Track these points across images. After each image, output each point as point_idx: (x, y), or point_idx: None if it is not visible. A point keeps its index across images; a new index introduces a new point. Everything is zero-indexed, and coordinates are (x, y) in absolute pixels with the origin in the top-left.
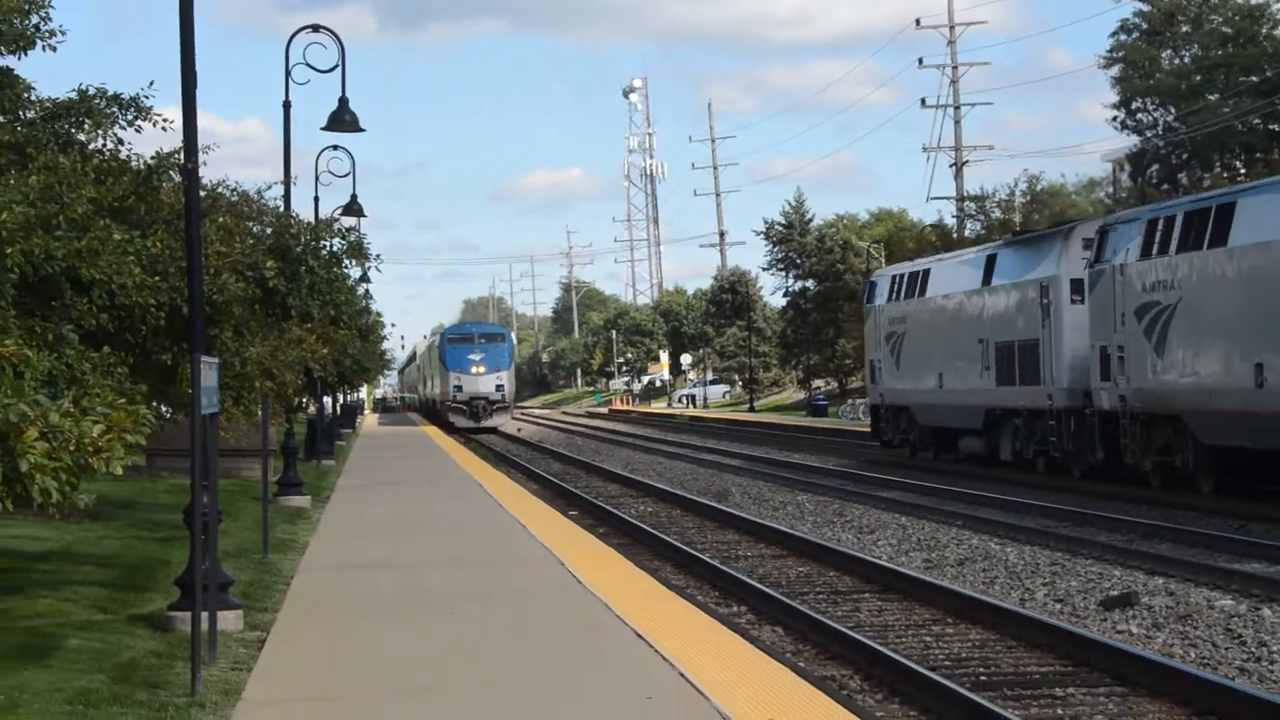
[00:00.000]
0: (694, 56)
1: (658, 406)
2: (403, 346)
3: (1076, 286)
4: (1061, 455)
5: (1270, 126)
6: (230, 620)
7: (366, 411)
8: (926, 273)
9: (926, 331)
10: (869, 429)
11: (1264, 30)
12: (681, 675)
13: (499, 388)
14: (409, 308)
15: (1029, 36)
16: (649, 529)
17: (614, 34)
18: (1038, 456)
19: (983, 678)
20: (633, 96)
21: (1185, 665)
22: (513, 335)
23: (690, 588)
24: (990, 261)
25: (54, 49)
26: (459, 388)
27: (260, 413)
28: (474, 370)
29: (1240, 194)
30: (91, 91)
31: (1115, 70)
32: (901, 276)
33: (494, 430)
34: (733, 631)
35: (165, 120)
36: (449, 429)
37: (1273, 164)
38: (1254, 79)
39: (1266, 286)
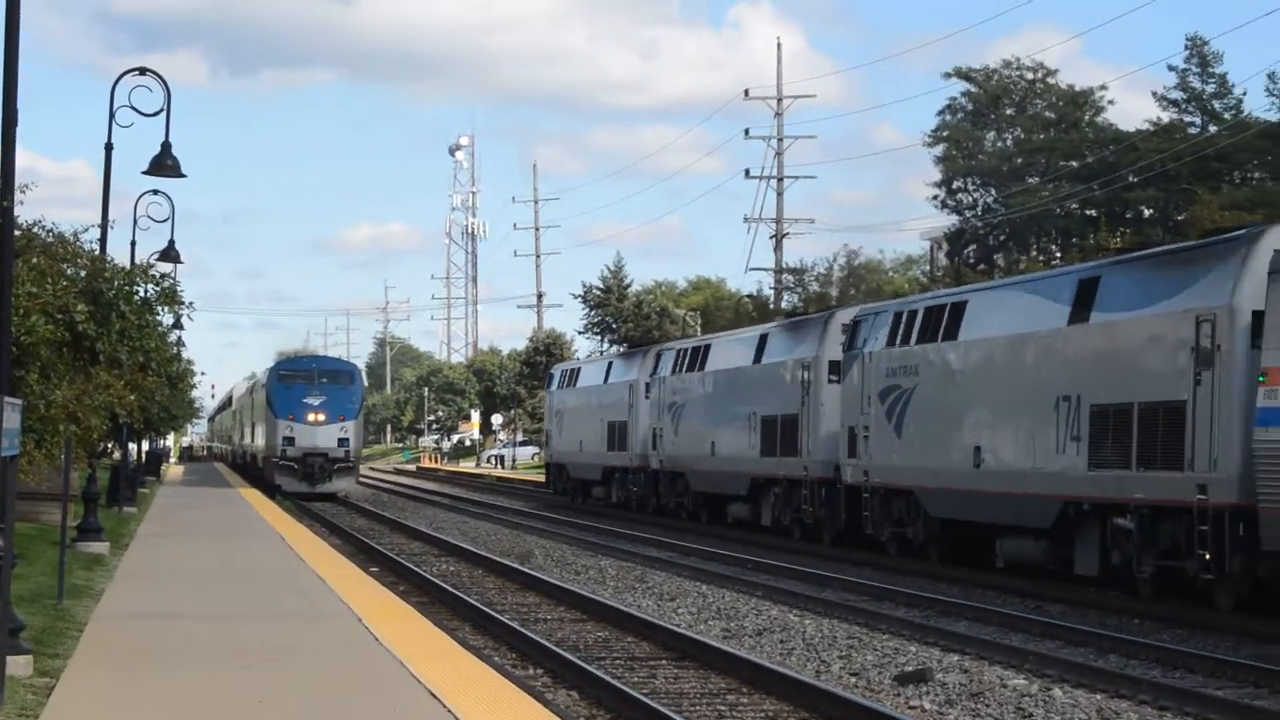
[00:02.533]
0: (524, 116)
1: (466, 465)
2: (213, 395)
3: (834, 367)
4: (814, 522)
5: (1088, 211)
6: (20, 666)
7: (172, 460)
8: (707, 348)
9: (704, 403)
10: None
11: (1086, 116)
12: None
13: (343, 442)
14: (223, 356)
15: (857, 112)
16: (449, 588)
17: (445, 90)
18: (794, 523)
19: None
20: (459, 154)
21: None
22: (363, 375)
23: (488, 648)
24: (762, 340)
25: None
26: (290, 440)
27: (63, 457)
28: (311, 418)
29: (971, 293)
30: None
31: (939, 149)
32: (685, 350)
33: (334, 497)
34: (528, 694)
35: None
36: (274, 492)
37: (1087, 249)
38: (1074, 164)
39: (987, 378)
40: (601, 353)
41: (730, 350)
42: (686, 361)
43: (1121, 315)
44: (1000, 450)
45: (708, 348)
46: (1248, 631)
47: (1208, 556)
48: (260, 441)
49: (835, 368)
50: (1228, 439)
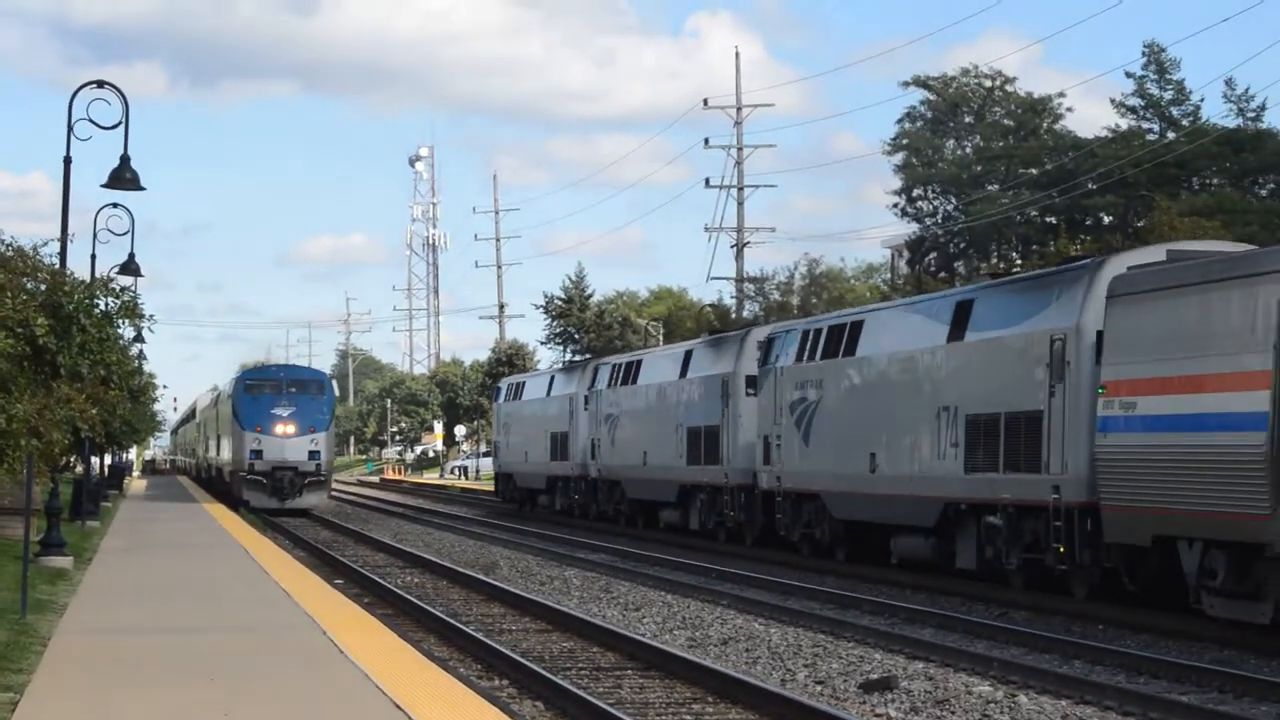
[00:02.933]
0: (483, 127)
1: (430, 477)
2: (175, 409)
3: (751, 381)
4: (736, 525)
5: (1048, 219)
6: None
7: (135, 474)
8: (639, 363)
9: (637, 415)
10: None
11: (1045, 124)
12: None
13: (314, 455)
14: (186, 370)
15: (816, 120)
16: (414, 600)
17: (403, 101)
18: (718, 526)
19: None
20: (419, 165)
21: None
22: (334, 385)
23: (454, 660)
24: (687, 356)
25: None
26: (258, 453)
27: (24, 471)
28: (280, 430)
29: (867, 313)
30: None
31: (899, 157)
32: (620, 365)
33: (305, 513)
34: (493, 705)
35: None
36: (240, 508)
37: (1048, 255)
38: (1033, 171)
39: (880, 391)
40: (564, 363)
41: (659, 365)
42: (621, 375)
43: (991, 334)
44: (892, 456)
45: (639, 363)
46: (1211, 637)
47: (1062, 550)
48: (226, 455)
49: (752, 382)
50: (1076, 445)
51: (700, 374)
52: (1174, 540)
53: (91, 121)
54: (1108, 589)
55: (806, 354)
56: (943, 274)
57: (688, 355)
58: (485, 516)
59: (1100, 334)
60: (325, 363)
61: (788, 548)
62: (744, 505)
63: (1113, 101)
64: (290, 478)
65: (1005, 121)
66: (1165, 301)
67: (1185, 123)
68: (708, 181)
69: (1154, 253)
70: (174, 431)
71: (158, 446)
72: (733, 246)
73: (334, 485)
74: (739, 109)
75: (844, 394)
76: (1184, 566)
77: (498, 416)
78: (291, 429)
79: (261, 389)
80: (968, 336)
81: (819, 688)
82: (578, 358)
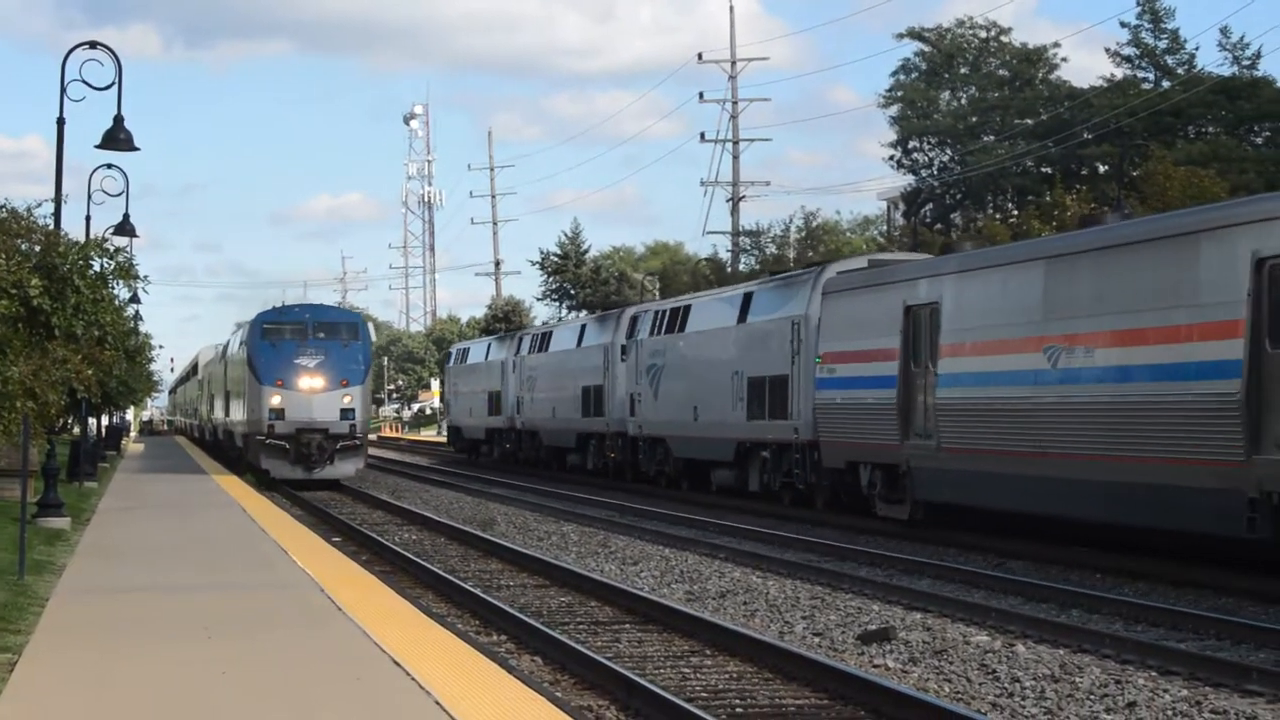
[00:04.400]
0: (478, 84)
1: (427, 434)
2: (172, 369)
3: (624, 350)
4: (616, 464)
5: (1043, 169)
6: None
7: (132, 434)
8: (549, 335)
9: (546, 378)
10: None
11: (1040, 74)
12: (438, 704)
13: (347, 414)
14: (184, 329)
15: (811, 73)
16: (412, 556)
17: (399, 59)
18: (604, 465)
19: (739, 710)
20: (413, 123)
21: (939, 700)
22: (370, 328)
23: (451, 616)
24: (583, 330)
25: None
26: (278, 413)
27: (21, 433)
28: (305, 383)
29: (694, 299)
30: None
31: (894, 110)
32: (538, 335)
33: (336, 484)
34: (492, 660)
35: None
36: (262, 480)
37: (1044, 206)
38: (1029, 122)
39: (699, 358)
40: (559, 319)
41: (562, 337)
42: (538, 343)
43: (761, 318)
44: (706, 409)
45: (549, 334)
46: (1206, 585)
47: (796, 472)
48: (239, 415)
49: (624, 350)
50: (806, 399)
51: (590, 343)
52: (857, 464)
53: (85, 83)
54: (836, 501)
55: (655, 329)
56: (939, 226)
57: (583, 329)
58: (485, 474)
59: (819, 320)
60: None
61: (647, 481)
62: (620, 448)
63: (1108, 51)
64: (319, 442)
65: (1001, 72)
66: (851, 297)
67: (1180, 71)
68: (703, 136)
69: (859, 262)
70: (172, 391)
71: (155, 407)
72: (728, 200)
73: None
74: (733, 63)
75: (678, 361)
76: (862, 482)
77: (445, 378)
78: (320, 382)
79: (282, 334)
80: (749, 320)
81: (817, 639)
82: (573, 313)
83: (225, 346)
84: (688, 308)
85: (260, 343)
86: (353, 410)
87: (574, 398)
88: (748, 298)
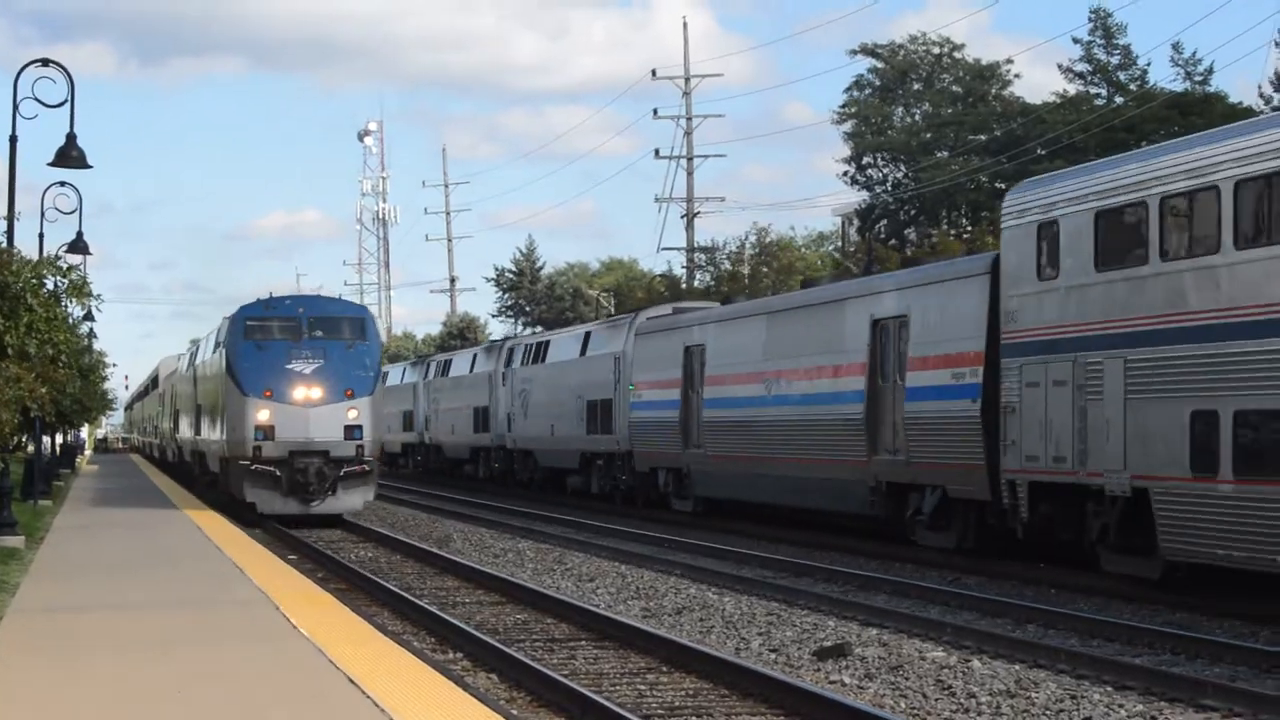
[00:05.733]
0: (432, 101)
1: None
2: (126, 387)
3: (503, 377)
4: (498, 473)
5: (998, 184)
6: None
7: (87, 452)
8: (450, 362)
9: (449, 399)
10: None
11: (993, 90)
12: None
13: (353, 431)
14: (139, 347)
15: (766, 90)
16: (368, 574)
17: (353, 76)
18: (490, 473)
19: None
20: (368, 140)
21: (895, 716)
22: (378, 326)
23: (407, 633)
24: (474, 358)
25: None
26: (266, 431)
27: None
28: (300, 393)
29: (551, 335)
30: None
31: (848, 126)
32: (441, 361)
33: (338, 520)
34: (447, 678)
35: None
36: (244, 516)
37: (997, 221)
38: (983, 138)
39: (553, 384)
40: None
41: (460, 363)
42: (441, 369)
43: (595, 353)
44: (560, 426)
45: (449, 361)
46: (1161, 601)
47: (623, 475)
48: (214, 434)
49: (504, 378)
50: (624, 417)
51: (480, 370)
52: (655, 469)
53: (37, 100)
54: (659, 501)
55: (525, 360)
56: (893, 241)
57: (474, 358)
58: (443, 490)
59: (633, 355)
60: None
61: (524, 487)
62: (499, 458)
63: (1060, 67)
64: (318, 468)
65: (954, 88)
66: (652, 339)
67: (1133, 87)
68: (657, 152)
69: (665, 309)
70: (128, 408)
71: (110, 425)
72: (683, 217)
73: None
74: (687, 79)
75: (540, 387)
76: (659, 483)
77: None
78: (318, 392)
79: (270, 332)
80: (587, 354)
81: (773, 656)
82: (528, 329)
83: (194, 352)
84: (547, 343)
85: (243, 344)
86: (360, 427)
87: (468, 417)
88: (587, 336)
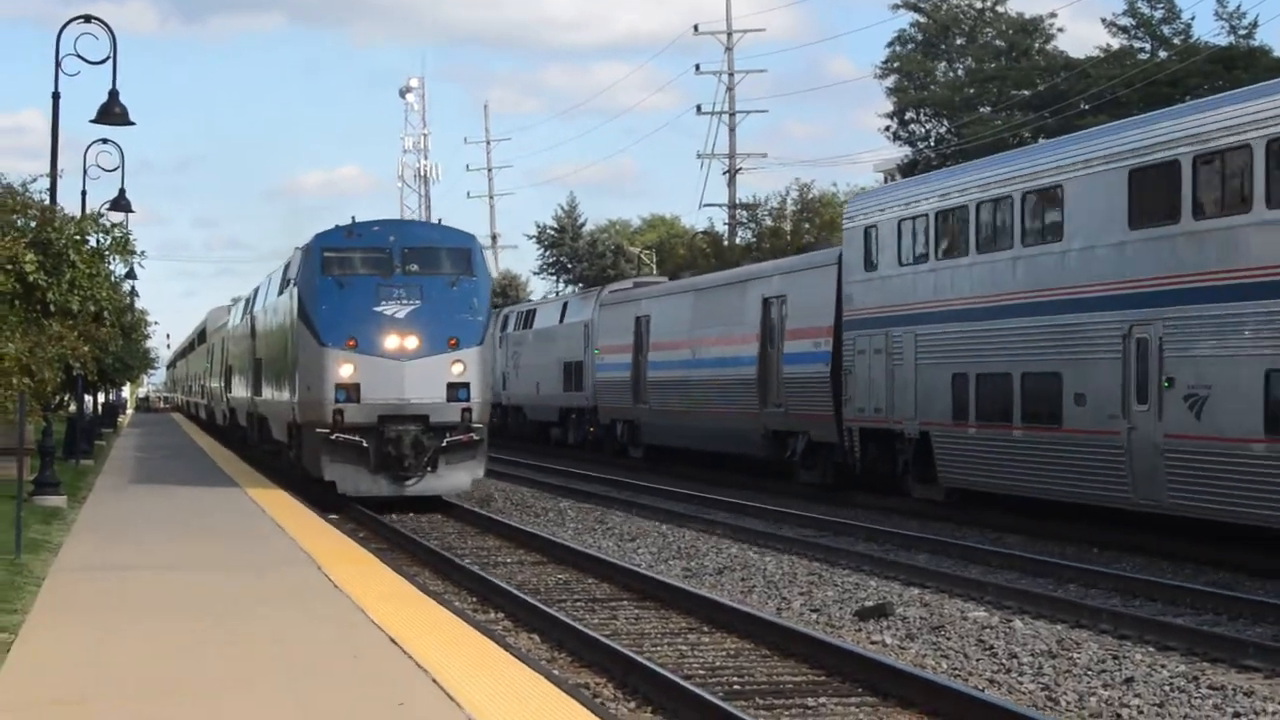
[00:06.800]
0: (473, 57)
1: None
2: (169, 346)
3: (500, 340)
4: (497, 425)
5: (1041, 139)
6: None
7: (129, 411)
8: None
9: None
10: None
11: (1036, 44)
12: (434, 681)
13: (459, 392)
14: (181, 306)
15: (808, 45)
16: (408, 534)
17: (393, 32)
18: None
19: (736, 686)
20: (409, 96)
21: (936, 676)
22: (486, 258)
23: (448, 593)
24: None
25: None
26: (350, 391)
27: (17, 411)
28: (391, 340)
29: (539, 304)
30: None
31: (890, 81)
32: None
33: (438, 502)
34: (488, 638)
35: None
36: (317, 496)
37: None
38: (1025, 93)
39: (538, 349)
40: (557, 293)
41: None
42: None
43: (570, 320)
44: (542, 384)
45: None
46: (1204, 560)
47: (590, 427)
48: (283, 394)
49: (500, 340)
50: (592, 376)
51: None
52: (614, 421)
53: (79, 57)
54: (620, 450)
55: (515, 325)
56: None
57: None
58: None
59: (598, 323)
60: None
61: (520, 438)
62: (498, 414)
63: (1104, 21)
64: (415, 438)
65: (997, 43)
66: (612, 309)
67: (1177, 41)
68: (699, 108)
69: (627, 284)
70: (170, 366)
71: (152, 384)
72: (725, 173)
73: None
74: (729, 34)
75: (528, 349)
76: (616, 433)
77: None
78: (415, 341)
79: (354, 265)
80: (564, 321)
81: (815, 616)
82: (570, 288)
83: (251, 298)
84: (534, 311)
85: (320, 280)
86: (466, 386)
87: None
88: (565, 305)
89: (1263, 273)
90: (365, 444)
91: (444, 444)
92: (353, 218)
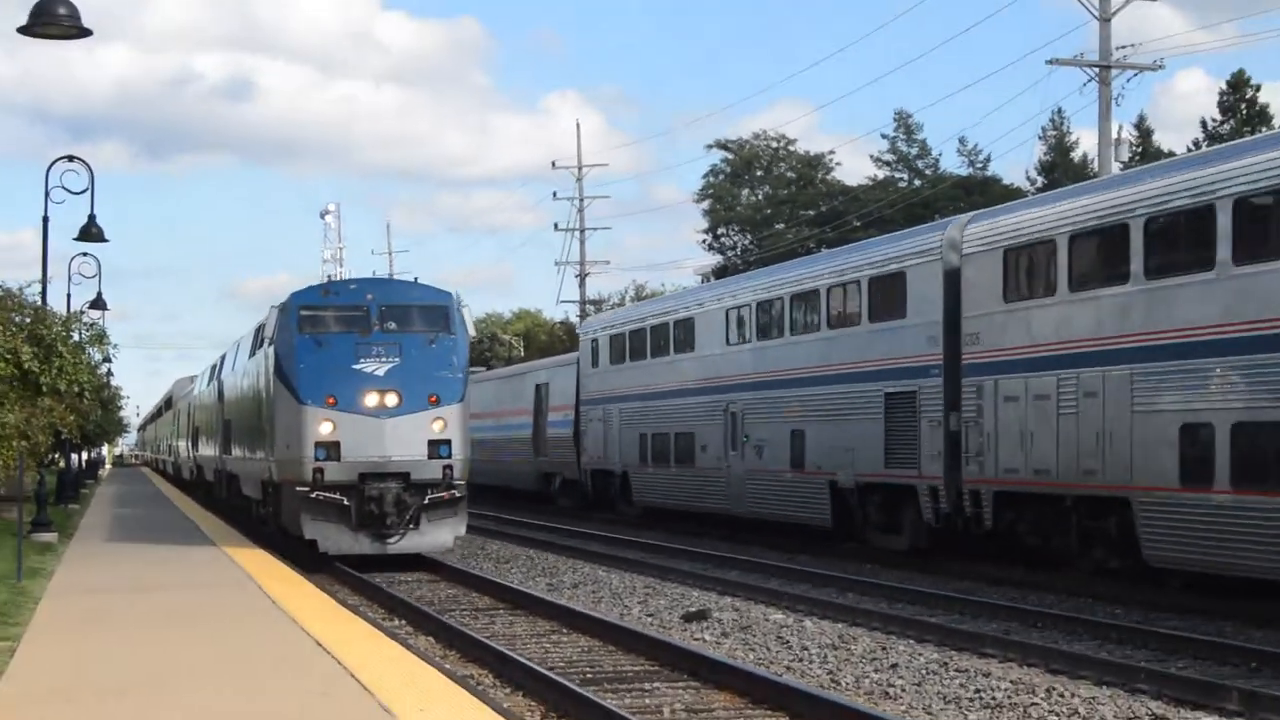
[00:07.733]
0: (381, 186)
1: None
2: (138, 414)
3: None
4: None
5: (823, 249)
6: None
7: (107, 467)
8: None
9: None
10: None
11: (820, 175)
12: (352, 676)
13: (440, 447)
14: (150, 381)
15: (642, 174)
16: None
17: (319, 168)
18: None
19: (589, 675)
20: (328, 217)
21: (745, 664)
22: (465, 314)
23: (363, 605)
24: None
25: None
26: (330, 449)
27: (17, 466)
28: (371, 398)
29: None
30: None
31: (706, 204)
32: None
33: (418, 560)
34: (394, 640)
35: None
36: (302, 555)
37: None
38: (811, 212)
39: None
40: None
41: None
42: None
43: (536, 378)
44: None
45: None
46: (953, 573)
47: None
48: (257, 454)
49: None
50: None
51: None
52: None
53: (65, 189)
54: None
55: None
56: None
57: None
58: None
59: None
60: None
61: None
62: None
63: (872, 157)
64: (396, 495)
65: (789, 174)
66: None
67: (928, 172)
68: (556, 225)
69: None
70: (141, 429)
71: (125, 444)
72: (577, 276)
73: None
74: (580, 168)
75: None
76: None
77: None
78: (395, 399)
79: (331, 324)
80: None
81: (650, 619)
82: None
83: (219, 364)
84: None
85: (297, 339)
86: (447, 443)
87: None
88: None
89: (787, 373)
90: (346, 502)
91: (426, 501)
92: (328, 277)
